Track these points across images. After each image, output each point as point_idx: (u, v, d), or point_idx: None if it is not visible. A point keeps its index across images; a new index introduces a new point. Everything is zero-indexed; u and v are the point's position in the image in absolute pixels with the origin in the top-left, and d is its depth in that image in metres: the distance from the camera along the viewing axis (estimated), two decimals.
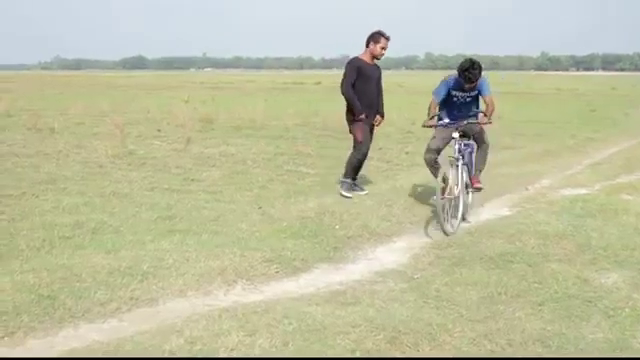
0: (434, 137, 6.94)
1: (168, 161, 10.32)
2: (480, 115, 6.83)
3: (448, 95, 6.79)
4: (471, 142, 7.01)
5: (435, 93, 6.85)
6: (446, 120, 6.81)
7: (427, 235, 6.29)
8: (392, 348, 3.64)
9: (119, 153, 10.69)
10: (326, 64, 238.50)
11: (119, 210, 6.79)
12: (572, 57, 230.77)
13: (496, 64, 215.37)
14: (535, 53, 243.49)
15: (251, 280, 4.80)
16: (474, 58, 6.59)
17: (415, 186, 8.44)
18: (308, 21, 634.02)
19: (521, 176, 9.74)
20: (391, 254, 5.72)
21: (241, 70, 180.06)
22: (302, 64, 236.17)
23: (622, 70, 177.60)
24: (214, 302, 4.41)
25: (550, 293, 4.57)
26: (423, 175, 9.41)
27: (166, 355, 3.48)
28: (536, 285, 4.74)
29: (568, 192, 8.43)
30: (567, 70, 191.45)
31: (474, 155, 7.08)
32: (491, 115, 6.76)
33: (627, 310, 4.26)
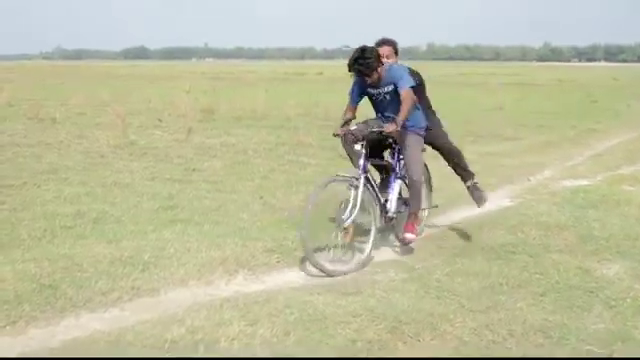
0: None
1: (169, 151, 10.32)
2: (387, 125, 5.19)
3: (368, 93, 5.49)
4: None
5: (349, 94, 5.57)
6: (353, 127, 5.37)
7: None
8: (393, 338, 3.64)
9: (120, 143, 10.70)
10: (328, 55, 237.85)
11: (120, 200, 6.80)
12: (574, 48, 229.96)
13: (498, 55, 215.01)
14: (537, 44, 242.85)
15: (252, 270, 4.80)
16: (368, 46, 5.22)
17: None
18: (310, 12, 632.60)
19: (523, 167, 9.74)
20: (392, 244, 5.71)
21: (242, 60, 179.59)
22: (304, 54, 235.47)
23: (624, 61, 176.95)
24: (215, 292, 4.42)
25: (552, 284, 4.57)
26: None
27: (167, 345, 3.48)
28: (537, 276, 4.74)
29: (570, 183, 8.42)
30: (569, 61, 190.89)
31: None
32: (403, 117, 5.15)
33: (629, 300, 4.26)
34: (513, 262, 5.06)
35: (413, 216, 5.51)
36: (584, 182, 8.46)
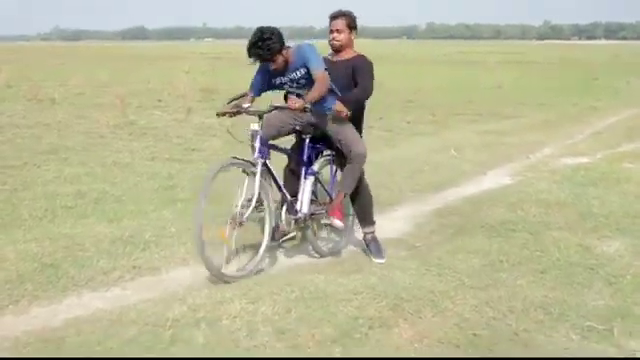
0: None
1: (169, 131, 10.31)
2: (292, 99, 4.40)
3: (275, 86, 4.70)
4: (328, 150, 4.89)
5: (250, 85, 4.76)
6: (246, 105, 4.60)
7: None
8: (394, 315, 3.65)
9: (120, 123, 10.69)
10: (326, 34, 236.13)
11: (121, 180, 6.80)
12: (575, 26, 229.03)
13: (498, 33, 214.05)
14: (537, 22, 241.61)
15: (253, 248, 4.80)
16: (266, 26, 4.33)
17: (417, 154, 8.41)
18: None
19: (523, 145, 9.72)
20: (393, 223, 5.71)
21: (242, 40, 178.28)
22: (303, 34, 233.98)
23: (625, 39, 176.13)
24: None
25: (552, 261, 4.58)
26: (424, 144, 9.41)
27: (169, 323, 3.48)
28: (538, 253, 4.74)
29: (570, 161, 8.42)
30: (569, 39, 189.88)
31: (334, 168, 4.96)
32: (312, 97, 4.32)
33: (629, 277, 4.26)
34: (513, 239, 5.06)
35: (340, 197, 4.70)
36: (584, 160, 8.46)
